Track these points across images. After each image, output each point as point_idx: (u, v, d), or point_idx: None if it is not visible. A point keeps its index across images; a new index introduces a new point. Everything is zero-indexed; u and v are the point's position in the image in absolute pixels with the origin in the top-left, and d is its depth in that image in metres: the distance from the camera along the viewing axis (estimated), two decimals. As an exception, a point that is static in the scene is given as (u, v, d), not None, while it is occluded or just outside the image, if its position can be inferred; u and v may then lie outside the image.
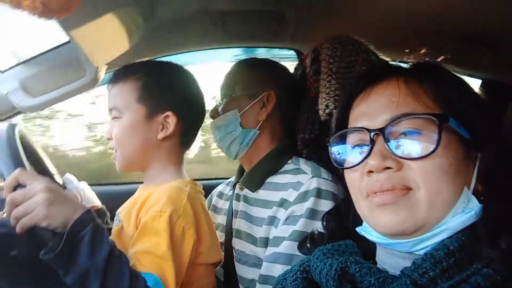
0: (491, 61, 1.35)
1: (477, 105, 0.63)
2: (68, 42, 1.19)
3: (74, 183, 1.22)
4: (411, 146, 0.57)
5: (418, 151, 0.57)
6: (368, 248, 0.67)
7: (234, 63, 1.29)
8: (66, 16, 0.77)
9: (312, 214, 0.97)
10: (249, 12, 1.29)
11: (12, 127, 0.95)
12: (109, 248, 0.79)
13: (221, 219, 1.28)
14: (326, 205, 0.97)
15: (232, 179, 1.34)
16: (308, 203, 0.98)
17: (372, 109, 0.63)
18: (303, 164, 1.10)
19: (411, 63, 0.71)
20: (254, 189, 1.15)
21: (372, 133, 0.60)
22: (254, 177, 1.16)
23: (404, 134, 0.58)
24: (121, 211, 1.05)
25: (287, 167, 1.13)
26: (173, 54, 1.43)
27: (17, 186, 0.81)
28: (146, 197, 0.96)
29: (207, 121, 1.24)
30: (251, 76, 1.21)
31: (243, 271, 1.08)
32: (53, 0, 0.58)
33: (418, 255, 0.57)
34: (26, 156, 1.09)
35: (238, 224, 1.15)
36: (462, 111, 0.60)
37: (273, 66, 1.28)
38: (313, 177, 1.03)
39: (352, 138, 0.65)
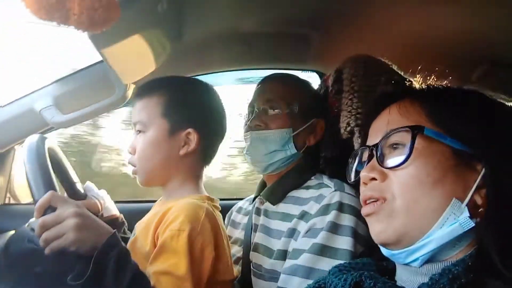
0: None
1: (476, 119, 0.62)
2: (98, 62, 1.25)
3: (95, 190, 1.23)
4: (390, 157, 0.62)
5: (394, 161, 0.61)
6: (387, 268, 0.67)
7: (284, 76, 1.26)
8: (100, 35, 0.82)
9: (333, 227, 0.95)
10: (274, 34, 1.31)
11: (42, 138, 0.99)
12: (133, 272, 0.79)
13: (238, 234, 1.26)
14: (348, 220, 0.95)
15: (252, 196, 1.32)
16: (330, 216, 0.96)
17: (374, 130, 0.69)
18: (327, 180, 1.09)
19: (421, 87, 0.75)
20: (275, 202, 1.14)
21: (370, 148, 0.66)
22: (276, 191, 1.16)
23: (391, 147, 0.63)
24: (139, 225, 1.06)
25: (310, 182, 1.13)
26: (199, 75, 1.46)
27: (48, 208, 0.83)
28: (164, 212, 0.96)
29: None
30: (308, 99, 1.20)
31: (260, 285, 1.06)
32: (98, 14, 0.61)
33: (436, 272, 0.56)
34: (51, 165, 1.13)
35: (257, 238, 1.14)
36: (458, 126, 0.61)
37: (324, 98, 1.27)
38: (335, 190, 1.01)
39: (364, 155, 0.71)
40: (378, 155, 0.63)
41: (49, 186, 0.89)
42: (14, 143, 1.30)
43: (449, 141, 0.59)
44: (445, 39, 1.17)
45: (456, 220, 0.55)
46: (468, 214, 0.55)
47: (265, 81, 1.24)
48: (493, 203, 0.56)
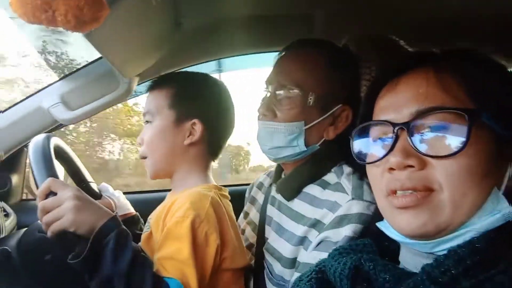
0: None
1: None
2: (101, 57, 1.25)
3: (110, 190, 1.28)
4: (436, 143, 0.53)
5: (444, 149, 0.52)
6: (390, 248, 0.64)
7: (301, 48, 1.03)
8: (95, 30, 0.81)
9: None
10: (277, 17, 1.28)
11: (48, 138, 1.01)
12: (132, 254, 0.82)
13: (254, 216, 1.24)
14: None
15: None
16: (347, 230, 0.84)
17: (398, 102, 0.58)
18: (345, 179, 0.93)
19: (442, 50, 0.64)
20: (289, 198, 1.04)
21: (396, 127, 0.55)
22: (292, 184, 1.04)
23: (430, 129, 0.53)
24: (152, 218, 1.08)
25: (329, 177, 0.99)
26: (203, 62, 1.45)
27: (49, 194, 0.86)
28: (171, 203, 0.98)
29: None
30: (330, 81, 0.98)
31: (270, 286, 1.04)
32: (84, 12, 0.61)
33: (441, 253, 0.53)
34: (64, 165, 1.16)
35: (270, 237, 1.09)
36: (499, 104, 0.54)
37: (355, 70, 1.02)
38: (353, 199, 0.87)
39: (375, 131, 0.61)
40: (413, 137, 0.54)
41: (52, 175, 0.92)
42: (26, 141, 1.33)
43: (496, 126, 0.53)
44: (455, 18, 1.10)
45: (498, 211, 0.52)
46: (507, 204, 0.52)
47: (282, 55, 1.05)
48: None
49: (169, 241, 0.90)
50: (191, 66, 1.46)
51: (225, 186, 1.15)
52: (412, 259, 0.58)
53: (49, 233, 0.83)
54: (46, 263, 0.97)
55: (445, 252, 0.52)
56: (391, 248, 0.64)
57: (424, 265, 0.52)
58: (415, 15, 1.15)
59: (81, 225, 0.82)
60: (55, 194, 0.85)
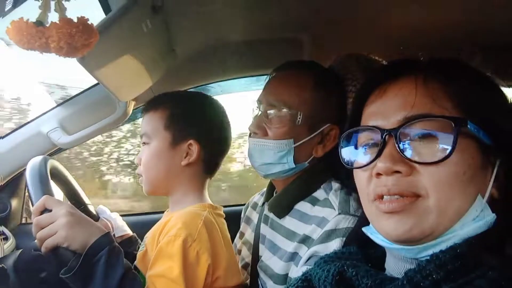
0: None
1: (501, 107, 0.59)
2: (98, 83, 1.30)
3: (107, 213, 1.31)
4: (423, 150, 0.54)
5: (431, 156, 0.53)
6: (375, 255, 0.65)
7: (290, 69, 1.08)
8: (88, 57, 0.85)
9: None
10: (267, 41, 1.33)
11: (45, 160, 1.04)
12: (123, 271, 0.83)
13: (249, 236, 1.25)
14: None
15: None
16: (335, 244, 0.86)
17: (387, 108, 0.59)
18: (332, 194, 0.96)
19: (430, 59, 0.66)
20: (281, 215, 1.06)
21: (385, 133, 0.56)
22: (282, 202, 1.07)
23: (418, 137, 0.55)
24: (147, 236, 1.09)
25: (318, 193, 1.01)
26: (197, 86, 1.50)
27: (44, 210, 0.89)
28: (165, 222, 1.00)
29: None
30: (318, 101, 1.02)
31: None
32: (76, 39, 0.65)
33: (424, 258, 0.54)
34: (61, 188, 1.18)
35: (264, 254, 1.10)
36: (484, 114, 0.56)
37: (341, 90, 1.05)
38: (340, 213, 0.90)
39: (363, 137, 0.62)
40: (401, 144, 0.55)
41: (47, 193, 0.95)
42: (26, 165, 1.36)
43: (481, 135, 0.54)
44: (433, 29, 1.14)
45: (480, 218, 0.53)
46: (490, 212, 0.53)
47: (273, 75, 1.10)
48: (509, 197, 0.55)
49: (160, 259, 0.91)
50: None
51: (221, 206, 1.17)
52: (396, 264, 0.59)
53: (43, 249, 0.85)
54: (42, 280, 0.98)
55: (428, 257, 0.53)
56: (376, 255, 0.65)
57: (406, 270, 0.53)
58: (398, 34, 1.19)
59: (74, 240, 0.84)
60: (50, 211, 0.88)
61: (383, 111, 0.59)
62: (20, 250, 1.09)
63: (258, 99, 1.09)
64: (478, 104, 0.57)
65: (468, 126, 0.53)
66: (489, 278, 0.47)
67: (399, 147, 0.55)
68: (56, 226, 0.85)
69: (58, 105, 1.34)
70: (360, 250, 0.66)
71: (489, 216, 0.53)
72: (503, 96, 0.61)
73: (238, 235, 1.35)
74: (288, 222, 1.04)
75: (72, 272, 0.80)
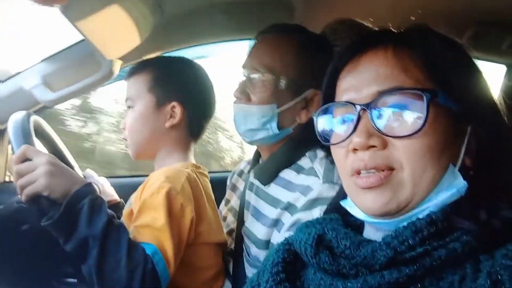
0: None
1: (471, 75, 0.59)
2: (83, 40, 1.26)
3: (94, 177, 1.30)
4: (396, 124, 0.54)
5: (404, 129, 0.53)
6: (356, 224, 0.66)
7: (274, 33, 1.06)
8: (72, 8, 0.82)
9: None
10: (257, 2, 1.30)
11: (28, 115, 1.02)
12: (107, 218, 0.84)
13: (234, 203, 1.27)
14: None
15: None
16: (318, 212, 0.87)
17: (359, 82, 0.59)
18: (317, 163, 0.97)
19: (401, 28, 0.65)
20: (265, 183, 1.08)
21: (358, 108, 0.56)
22: (268, 169, 1.08)
23: (391, 110, 0.55)
24: (133, 195, 1.10)
25: (303, 161, 1.02)
26: (184, 48, 1.47)
27: (25, 160, 0.87)
28: (149, 178, 1.00)
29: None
30: (302, 65, 1.01)
31: (248, 268, 1.07)
32: None
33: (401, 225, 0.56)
34: (46, 146, 1.16)
35: (247, 220, 1.12)
36: (453, 82, 0.56)
37: (328, 56, 1.00)
38: (324, 182, 0.91)
39: (338, 112, 0.62)
40: (375, 118, 0.55)
41: (28, 144, 0.92)
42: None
43: (452, 105, 0.55)
44: (435, 6, 1.13)
45: (453, 186, 0.54)
46: (462, 180, 0.54)
47: (257, 40, 1.08)
48: (480, 164, 0.56)
49: (145, 210, 0.92)
50: (174, 51, 1.48)
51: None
52: (375, 234, 0.61)
53: (23, 197, 0.84)
54: (24, 233, 0.98)
55: (405, 224, 0.54)
56: (356, 224, 0.66)
57: (384, 236, 0.55)
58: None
59: (54, 189, 0.84)
60: (30, 160, 0.87)
61: (355, 85, 0.59)
62: (1, 206, 1.08)
63: (243, 64, 1.08)
64: (449, 72, 0.57)
65: (440, 97, 0.54)
66: (463, 242, 0.49)
67: (373, 121, 0.55)
68: (36, 175, 0.84)
69: (41, 61, 1.29)
70: (341, 217, 0.68)
71: (462, 184, 0.54)
72: (472, 63, 0.61)
73: (223, 202, 1.36)
74: (273, 189, 1.06)
75: (53, 219, 0.80)
